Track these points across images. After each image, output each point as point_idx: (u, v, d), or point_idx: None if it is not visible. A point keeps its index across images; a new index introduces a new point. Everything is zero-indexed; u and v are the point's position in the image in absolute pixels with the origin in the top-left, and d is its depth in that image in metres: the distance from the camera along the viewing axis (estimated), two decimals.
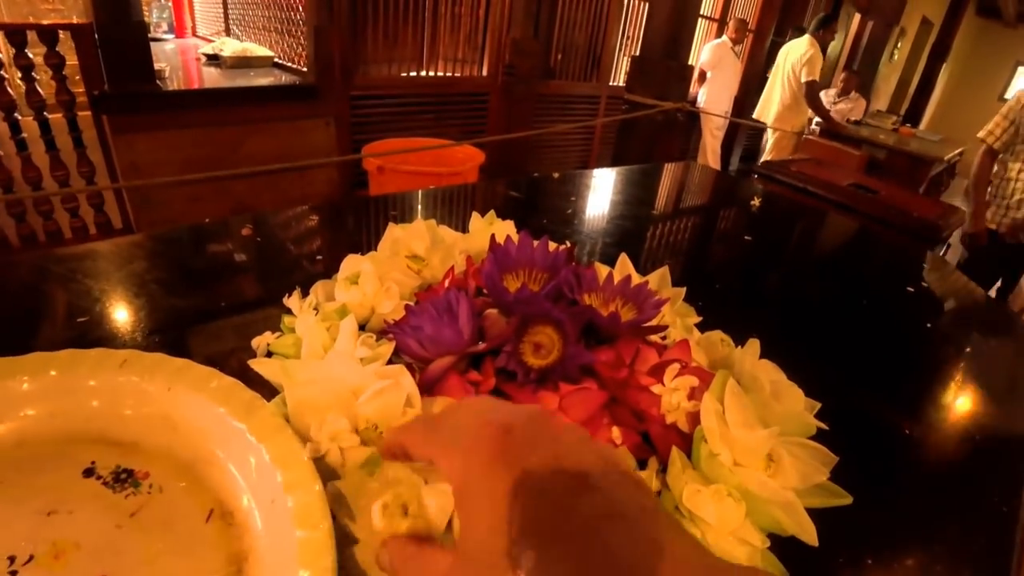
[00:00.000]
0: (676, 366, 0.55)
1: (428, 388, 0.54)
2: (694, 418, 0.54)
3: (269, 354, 0.65)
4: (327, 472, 0.48)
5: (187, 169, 2.73)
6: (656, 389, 0.55)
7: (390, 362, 0.59)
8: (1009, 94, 8.51)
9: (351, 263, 0.73)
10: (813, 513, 0.49)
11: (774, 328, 0.86)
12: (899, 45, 8.09)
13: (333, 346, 0.59)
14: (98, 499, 0.46)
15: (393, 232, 0.80)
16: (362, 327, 0.68)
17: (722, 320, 0.74)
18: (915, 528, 0.58)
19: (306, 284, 0.73)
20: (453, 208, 1.22)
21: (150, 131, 2.67)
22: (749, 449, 0.50)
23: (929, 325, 0.91)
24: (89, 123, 2.61)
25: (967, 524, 0.59)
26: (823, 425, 0.57)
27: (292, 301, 0.69)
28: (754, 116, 4.81)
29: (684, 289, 0.77)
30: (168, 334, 0.70)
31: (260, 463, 0.46)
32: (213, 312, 0.76)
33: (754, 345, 0.62)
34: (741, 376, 0.60)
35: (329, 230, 1.08)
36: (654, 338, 0.65)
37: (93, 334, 0.68)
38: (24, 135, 2.46)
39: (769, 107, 4.63)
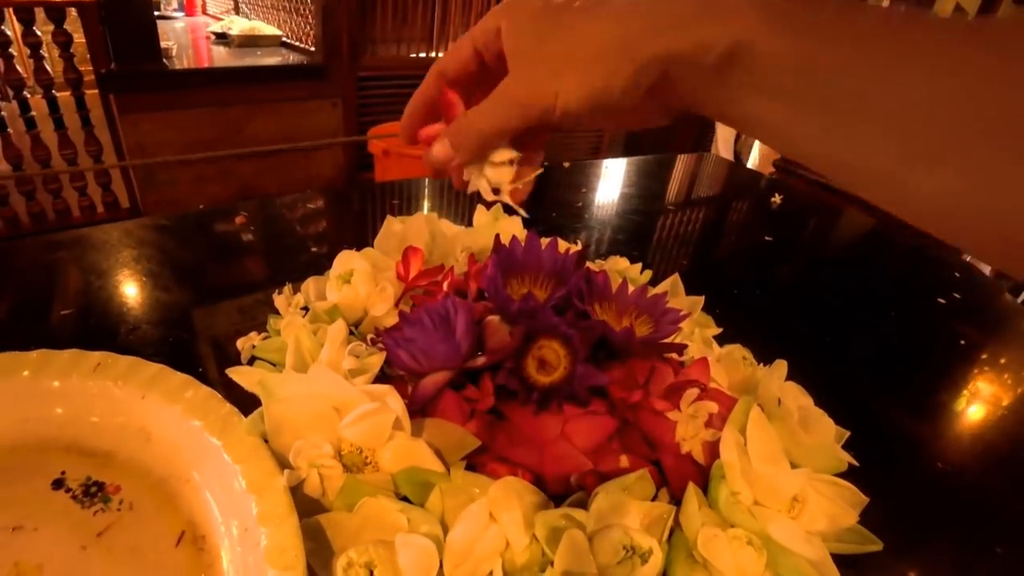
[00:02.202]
0: (694, 390, 0.50)
1: (421, 405, 0.49)
2: (711, 448, 0.49)
3: (255, 358, 0.60)
4: (306, 502, 0.43)
5: (192, 149, 2.70)
6: (672, 415, 0.50)
7: (381, 372, 0.54)
8: None
9: (344, 259, 0.68)
10: (837, 559, 0.44)
11: (797, 341, 0.81)
12: None
13: (319, 353, 0.54)
14: (66, 515, 0.43)
15: (391, 226, 0.75)
16: (354, 328, 0.63)
17: (742, 331, 0.69)
18: None
19: (302, 276, 0.68)
20: (459, 196, 1.16)
21: (156, 111, 2.63)
22: (773, 489, 0.45)
23: (963, 342, 0.86)
24: (97, 102, 2.57)
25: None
26: (854, 461, 0.52)
27: (280, 299, 0.65)
28: None
29: (702, 299, 0.71)
30: (160, 326, 0.66)
31: (235, 487, 0.41)
32: (205, 304, 0.72)
33: (781, 367, 0.57)
34: (766, 401, 0.54)
35: (329, 219, 1.03)
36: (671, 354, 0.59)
37: (79, 325, 0.65)
38: (33, 113, 2.43)
39: None
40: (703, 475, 0.49)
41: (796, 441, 0.51)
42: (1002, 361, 0.85)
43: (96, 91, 2.56)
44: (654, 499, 0.47)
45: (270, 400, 0.45)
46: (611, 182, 1.39)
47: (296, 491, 0.43)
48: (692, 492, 0.45)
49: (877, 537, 0.47)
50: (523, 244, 0.60)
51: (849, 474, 0.51)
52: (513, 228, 0.77)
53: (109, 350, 0.49)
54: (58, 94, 2.45)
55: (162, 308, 0.70)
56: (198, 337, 0.66)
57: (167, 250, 0.82)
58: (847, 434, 0.56)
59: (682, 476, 0.48)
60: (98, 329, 0.65)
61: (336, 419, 0.44)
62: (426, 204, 1.13)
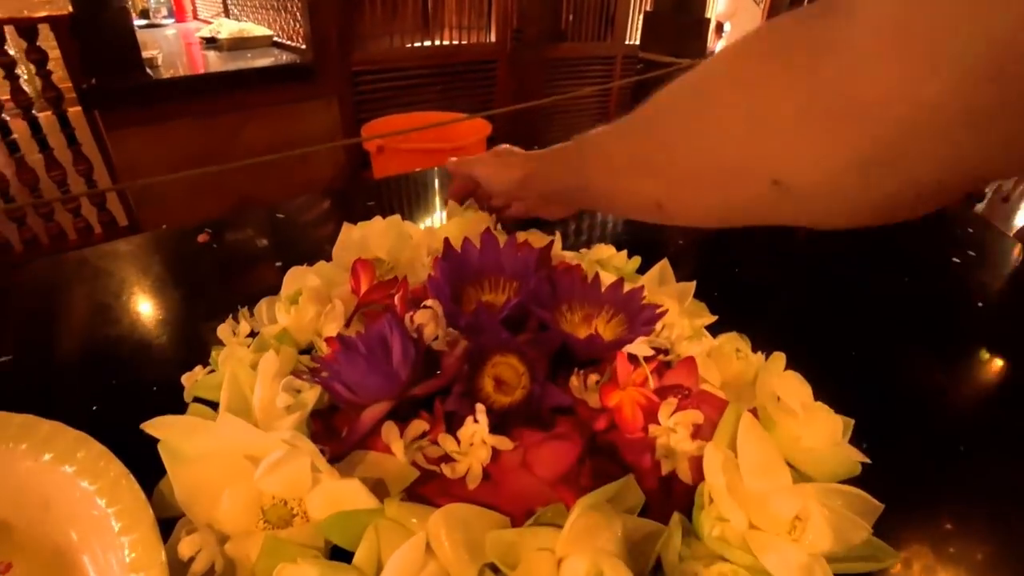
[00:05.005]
0: (673, 400, 0.44)
1: (361, 442, 0.43)
2: (698, 464, 0.43)
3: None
4: (228, 569, 0.38)
5: (186, 162, 2.60)
6: (651, 430, 0.43)
7: (332, 406, 0.48)
8: None
9: (294, 277, 0.63)
10: None
11: (799, 318, 0.74)
12: None
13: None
14: None
15: (349, 233, 0.69)
16: (305, 352, 0.57)
17: (739, 314, 0.63)
18: None
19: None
20: (439, 192, 1.10)
21: (144, 124, 2.56)
22: (770, 511, 0.39)
23: (980, 304, 0.78)
24: (81, 119, 2.49)
25: None
26: (866, 458, 0.46)
27: (224, 328, 0.59)
28: None
29: (693, 285, 0.65)
30: (103, 364, 0.60)
31: (120, 562, 0.35)
32: (159, 333, 0.67)
33: (778, 360, 0.50)
34: (763, 399, 0.48)
35: (308, 226, 0.97)
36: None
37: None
38: (15, 136, 2.36)
39: None
40: (692, 497, 0.42)
41: (798, 445, 0.44)
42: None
43: (79, 108, 2.48)
44: (641, 513, 0.41)
45: (176, 464, 0.40)
46: None
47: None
48: (676, 523, 0.39)
49: (892, 544, 0.41)
50: (479, 246, 0.54)
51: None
52: (480, 225, 0.71)
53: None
54: (39, 114, 2.38)
55: (107, 344, 0.65)
56: (151, 369, 0.61)
57: (123, 276, 0.77)
58: (851, 423, 0.49)
59: (666, 502, 0.42)
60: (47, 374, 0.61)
61: (253, 472, 0.39)
62: (423, 197, 1.07)
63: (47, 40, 2.32)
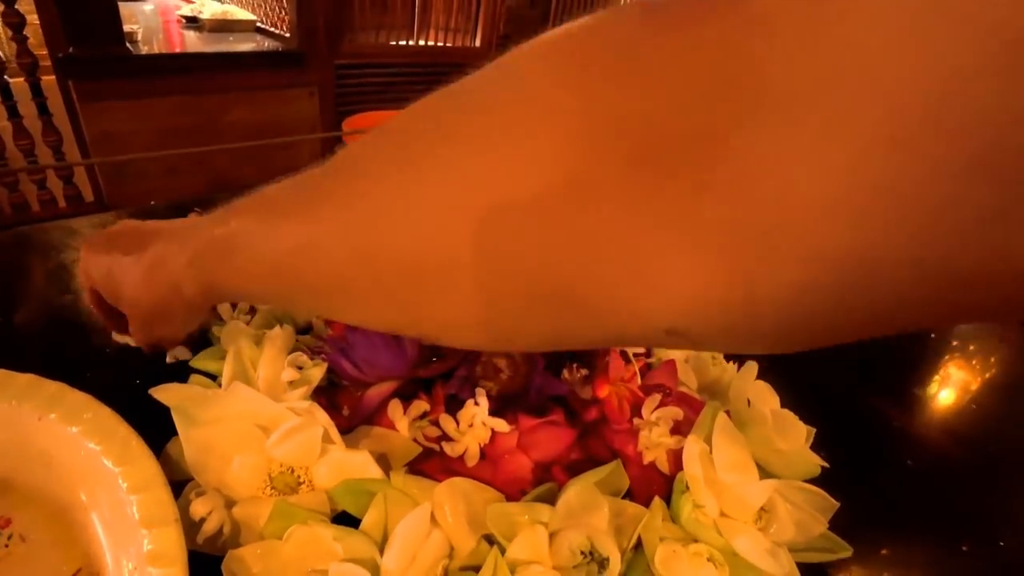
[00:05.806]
0: (656, 396, 0.47)
1: (364, 419, 0.46)
2: (676, 457, 0.46)
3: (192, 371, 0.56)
4: (235, 532, 0.40)
5: (163, 140, 2.58)
6: (635, 423, 0.47)
7: (331, 381, 0.51)
8: None
9: None
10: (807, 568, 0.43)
11: None
12: None
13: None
14: None
15: None
16: (307, 331, 0.59)
17: None
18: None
19: None
20: None
21: (122, 99, 2.49)
22: (740, 501, 0.43)
23: (932, 335, 0.83)
24: (54, 88, 2.40)
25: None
26: (825, 464, 0.50)
27: (223, 304, 0.61)
28: None
29: None
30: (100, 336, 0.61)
31: (129, 520, 0.37)
32: None
33: (751, 369, 0.54)
34: (736, 404, 0.52)
35: None
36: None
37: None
38: None
39: None
40: (668, 485, 0.46)
41: (768, 447, 0.48)
42: (971, 349, 0.83)
43: (53, 78, 2.38)
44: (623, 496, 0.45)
45: (190, 428, 0.42)
46: None
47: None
48: (657, 506, 0.43)
49: (845, 538, 0.45)
50: None
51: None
52: None
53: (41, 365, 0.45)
54: (11, 80, 2.28)
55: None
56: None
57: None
58: (813, 431, 0.53)
59: (647, 487, 0.45)
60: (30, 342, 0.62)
61: (263, 439, 0.41)
62: None
63: (26, 4, 2.25)
